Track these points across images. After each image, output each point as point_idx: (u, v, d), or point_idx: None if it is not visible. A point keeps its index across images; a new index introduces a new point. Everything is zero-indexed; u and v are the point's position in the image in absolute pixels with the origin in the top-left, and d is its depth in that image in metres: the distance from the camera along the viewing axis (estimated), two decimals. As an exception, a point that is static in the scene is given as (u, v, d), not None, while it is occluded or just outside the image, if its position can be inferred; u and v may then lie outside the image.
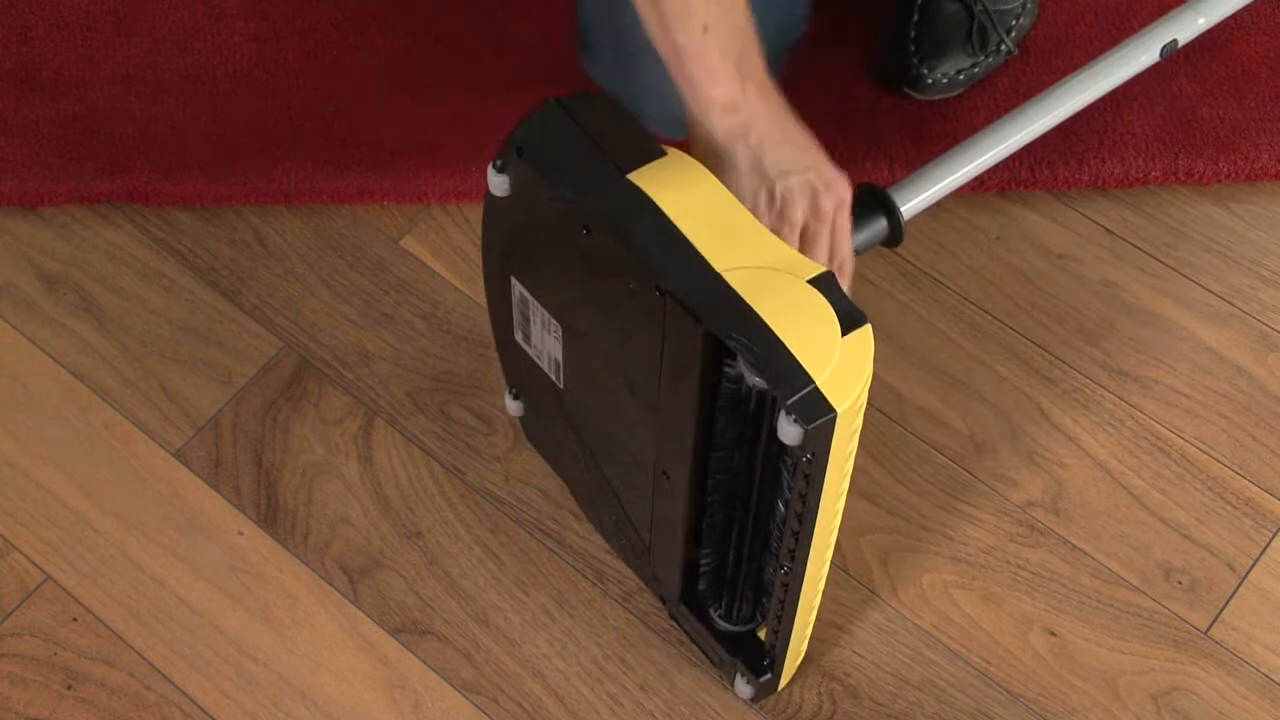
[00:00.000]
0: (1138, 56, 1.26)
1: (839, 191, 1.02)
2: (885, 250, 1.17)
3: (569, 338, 1.03)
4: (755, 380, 0.89)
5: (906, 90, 1.37)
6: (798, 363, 0.84)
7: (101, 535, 1.20)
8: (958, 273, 1.33)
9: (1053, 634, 1.16)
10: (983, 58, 1.37)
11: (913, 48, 1.37)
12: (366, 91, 1.41)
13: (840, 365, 0.85)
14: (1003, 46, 1.37)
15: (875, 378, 0.87)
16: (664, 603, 1.16)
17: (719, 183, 0.93)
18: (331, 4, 1.46)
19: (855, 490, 1.19)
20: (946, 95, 1.37)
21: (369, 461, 1.23)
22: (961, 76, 1.37)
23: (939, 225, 1.35)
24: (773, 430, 0.88)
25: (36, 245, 1.34)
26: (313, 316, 1.30)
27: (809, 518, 0.92)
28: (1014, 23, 1.38)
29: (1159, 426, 1.25)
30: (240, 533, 1.21)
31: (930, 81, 1.36)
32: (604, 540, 1.20)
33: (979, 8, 1.36)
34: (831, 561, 1.03)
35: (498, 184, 0.97)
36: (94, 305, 1.31)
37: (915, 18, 1.38)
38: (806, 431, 0.83)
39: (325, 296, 1.32)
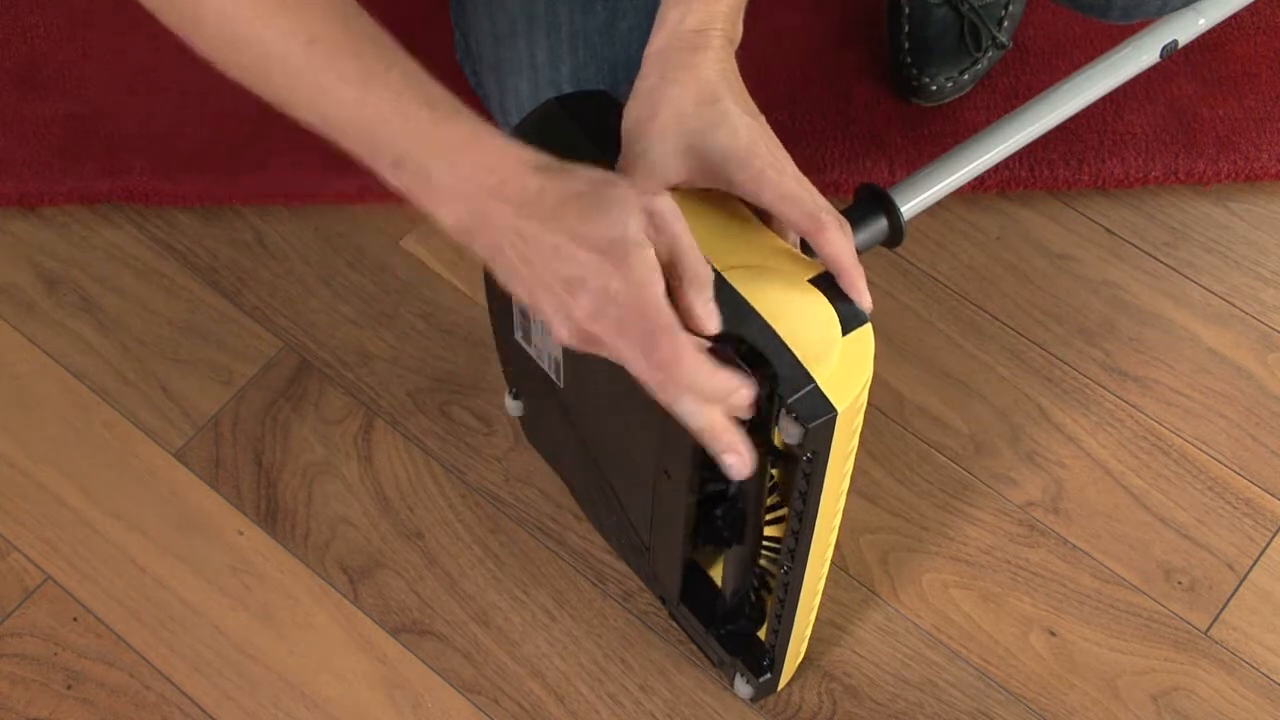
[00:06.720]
0: (1138, 56, 1.25)
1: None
2: (885, 250, 1.17)
3: (569, 337, 1.03)
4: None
5: (915, 101, 1.37)
6: (798, 361, 0.84)
7: (101, 535, 1.20)
8: (958, 273, 1.33)
9: (1053, 634, 1.16)
10: (980, 54, 1.37)
11: (909, 59, 1.36)
12: (366, 92, 1.40)
13: (841, 364, 0.85)
14: (997, 40, 1.37)
15: (875, 378, 0.87)
16: (664, 603, 1.16)
17: None
18: (331, 4, 1.46)
19: (855, 490, 1.19)
20: (954, 98, 1.37)
21: (369, 461, 1.23)
22: (965, 77, 1.37)
23: (939, 225, 1.35)
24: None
25: (36, 245, 1.34)
26: (313, 316, 1.30)
27: (809, 517, 0.92)
28: (1003, 13, 1.38)
29: (1159, 426, 1.25)
30: (240, 533, 1.20)
31: (935, 89, 1.36)
32: (604, 540, 1.20)
33: (965, 6, 1.36)
34: (831, 561, 1.03)
35: (498, 183, 0.97)
36: (94, 305, 1.31)
37: (906, 29, 1.38)
38: (807, 430, 0.83)
39: (325, 296, 1.31)
